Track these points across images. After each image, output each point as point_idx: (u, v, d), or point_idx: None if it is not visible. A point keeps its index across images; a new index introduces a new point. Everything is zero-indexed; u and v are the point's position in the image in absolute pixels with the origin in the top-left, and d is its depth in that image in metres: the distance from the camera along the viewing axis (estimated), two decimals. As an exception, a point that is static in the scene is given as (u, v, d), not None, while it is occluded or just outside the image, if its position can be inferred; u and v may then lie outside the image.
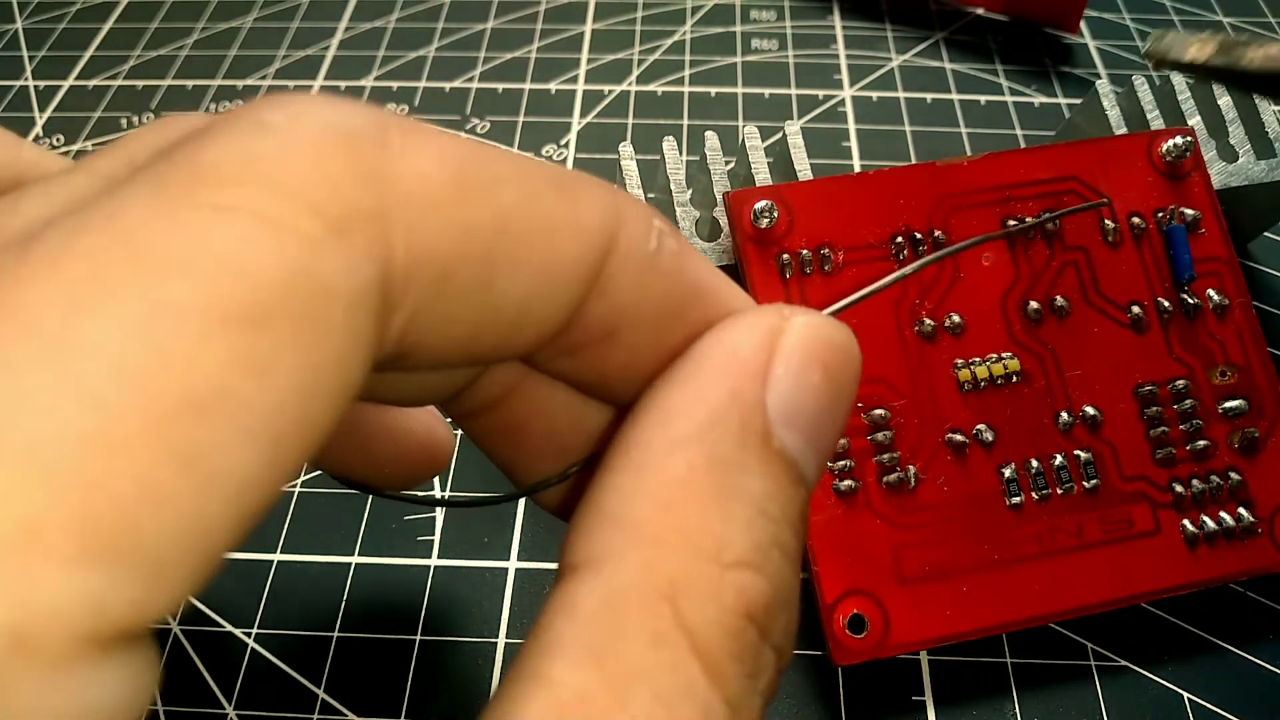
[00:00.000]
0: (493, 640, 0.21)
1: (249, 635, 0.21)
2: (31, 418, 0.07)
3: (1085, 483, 0.20)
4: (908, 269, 0.14)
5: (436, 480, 0.24)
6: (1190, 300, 0.21)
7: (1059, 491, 0.20)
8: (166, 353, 0.07)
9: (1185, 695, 0.20)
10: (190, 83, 0.35)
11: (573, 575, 0.10)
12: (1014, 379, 0.20)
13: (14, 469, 0.06)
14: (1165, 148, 0.21)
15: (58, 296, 0.07)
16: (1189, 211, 0.21)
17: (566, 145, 0.32)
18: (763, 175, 0.21)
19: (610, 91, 0.34)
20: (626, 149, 0.22)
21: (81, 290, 0.07)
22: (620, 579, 0.09)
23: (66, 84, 0.35)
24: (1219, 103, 0.23)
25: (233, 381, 0.07)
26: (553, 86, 0.34)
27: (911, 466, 0.19)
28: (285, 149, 0.08)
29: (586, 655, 0.09)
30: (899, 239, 0.20)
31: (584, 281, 0.10)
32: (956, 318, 0.20)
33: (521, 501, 0.23)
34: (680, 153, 0.22)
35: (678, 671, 0.09)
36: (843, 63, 0.35)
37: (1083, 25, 0.36)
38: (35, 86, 0.35)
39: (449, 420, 0.16)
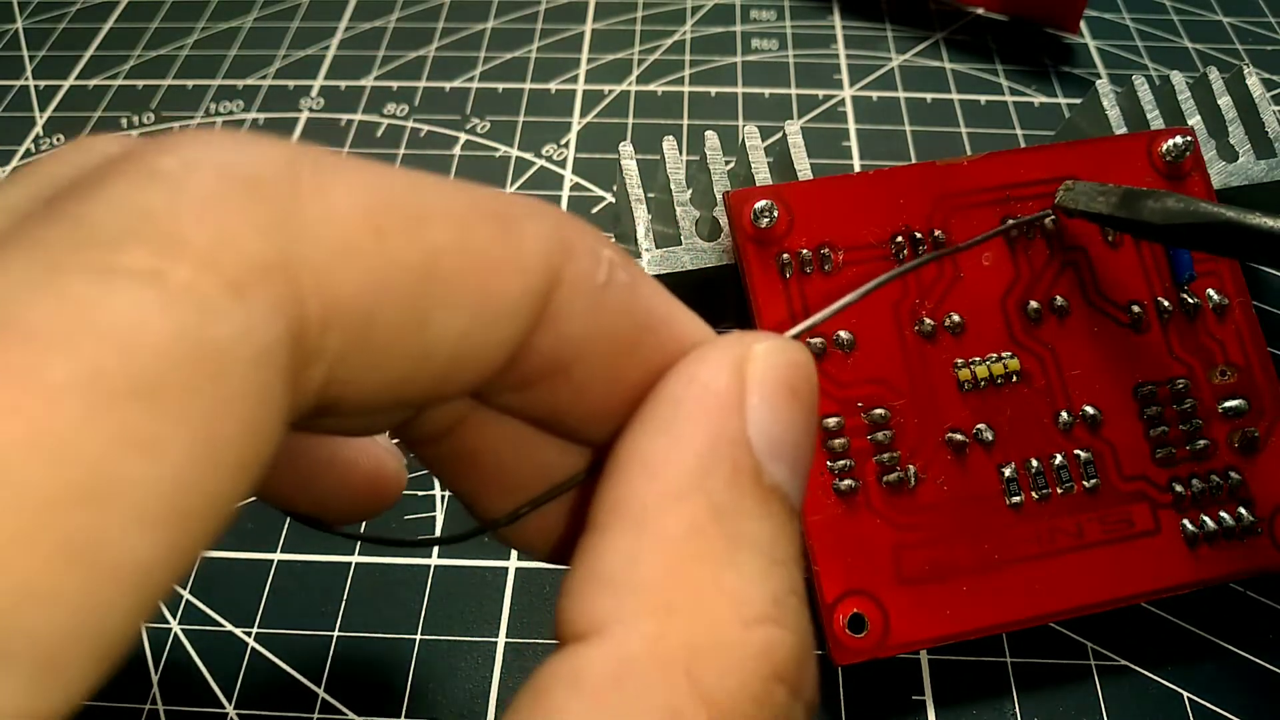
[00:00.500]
0: (493, 640, 0.21)
1: (249, 635, 0.21)
2: None
3: (1085, 482, 0.20)
4: (868, 287, 0.14)
5: (437, 492, 0.24)
6: (1190, 300, 0.21)
7: (1059, 491, 0.20)
8: (45, 438, 0.06)
9: (1185, 695, 0.20)
10: (190, 82, 0.35)
11: (575, 643, 0.09)
12: (1014, 379, 0.20)
13: None
14: (1165, 148, 0.21)
15: None
16: (1189, 211, 0.21)
17: (566, 145, 0.32)
18: (763, 175, 0.21)
19: (610, 91, 0.34)
20: (626, 149, 0.22)
21: None
22: (630, 648, 0.09)
23: (67, 84, 0.35)
24: (1219, 102, 0.23)
25: (120, 463, 0.07)
26: (553, 86, 0.34)
27: (911, 466, 0.19)
28: (177, 200, 0.07)
29: None
30: (899, 239, 0.20)
31: (525, 319, 0.09)
32: (956, 317, 0.20)
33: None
34: (680, 152, 0.22)
35: None
36: (843, 63, 0.35)
37: (1083, 25, 0.36)
38: (35, 86, 0.35)
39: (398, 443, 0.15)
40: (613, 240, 0.11)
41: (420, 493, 0.23)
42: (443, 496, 0.23)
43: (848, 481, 0.19)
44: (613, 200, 0.30)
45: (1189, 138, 0.21)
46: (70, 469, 0.06)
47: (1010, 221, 0.20)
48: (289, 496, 0.15)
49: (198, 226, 0.07)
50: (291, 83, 0.35)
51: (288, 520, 0.23)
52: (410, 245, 0.08)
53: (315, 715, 0.20)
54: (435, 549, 0.22)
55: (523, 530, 0.12)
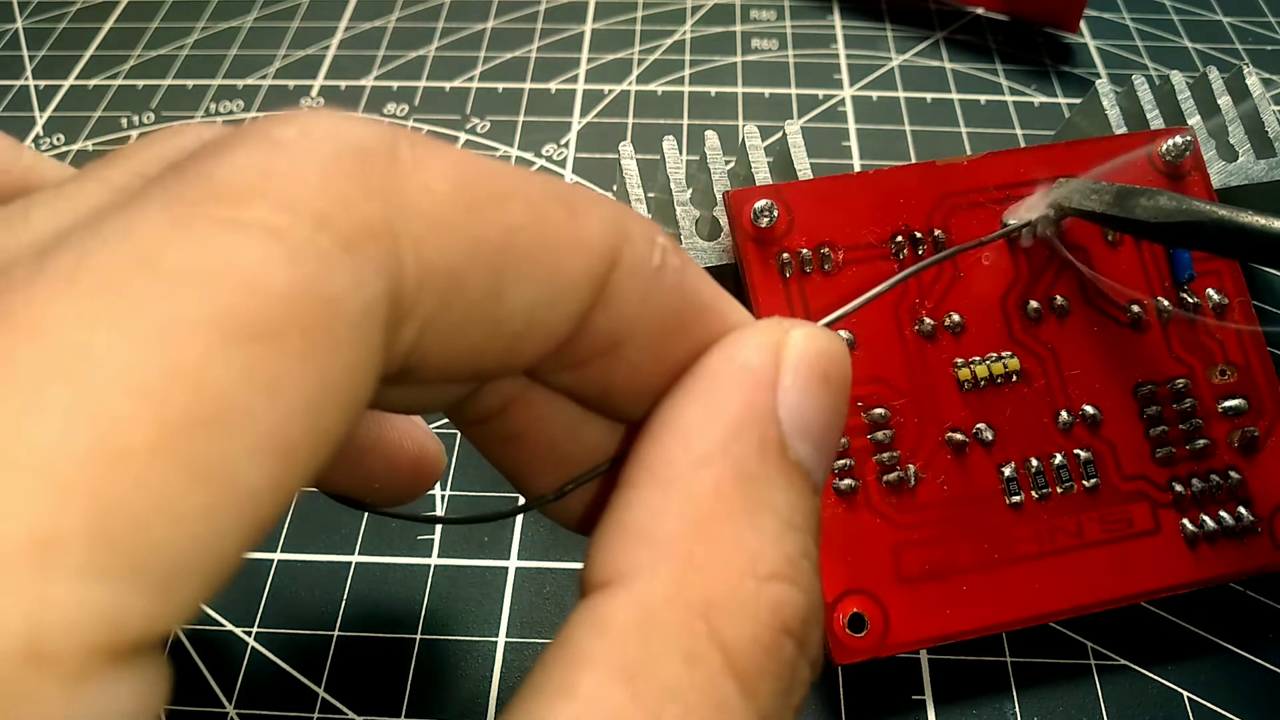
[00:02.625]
0: (493, 639, 0.21)
1: (249, 634, 0.21)
2: (44, 430, 0.07)
3: (1085, 482, 0.20)
4: (889, 283, 0.15)
5: (437, 493, 0.24)
6: (1190, 300, 0.21)
7: (1059, 491, 0.20)
8: (179, 367, 0.07)
9: (1185, 694, 0.20)
10: (190, 82, 0.35)
11: (601, 591, 0.10)
12: (1014, 378, 0.20)
13: (26, 481, 0.06)
14: (1165, 147, 0.21)
15: (72, 311, 0.07)
16: (1189, 211, 0.21)
17: (566, 145, 0.32)
18: (763, 174, 0.21)
19: (610, 91, 0.34)
20: (626, 148, 0.22)
21: (95, 305, 0.07)
22: (653, 595, 0.09)
23: (67, 84, 0.35)
24: (1219, 102, 0.23)
25: (244, 395, 0.07)
26: (553, 86, 0.34)
27: (911, 465, 0.19)
28: (296, 165, 0.08)
29: (617, 672, 0.09)
30: (899, 238, 0.20)
31: (588, 295, 0.10)
32: (956, 317, 0.20)
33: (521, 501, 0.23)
34: (680, 152, 0.22)
35: (711, 690, 0.09)
36: (843, 62, 0.35)
37: (1083, 25, 0.36)
38: (35, 86, 0.35)
39: (442, 425, 0.16)
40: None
41: (413, 511, 0.23)
42: (443, 497, 0.23)
43: (848, 481, 0.19)
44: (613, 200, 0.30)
45: (1189, 137, 0.21)
46: (202, 397, 0.07)
47: (1012, 223, 0.20)
48: (336, 478, 0.16)
49: (315, 189, 0.08)
50: (291, 82, 0.35)
51: (288, 520, 0.23)
52: (492, 221, 0.09)
53: (315, 715, 0.20)
54: (434, 552, 0.22)
55: (564, 503, 0.13)
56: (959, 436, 0.19)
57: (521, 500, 0.13)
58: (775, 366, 0.11)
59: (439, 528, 0.23)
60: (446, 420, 0.19)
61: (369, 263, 0.08)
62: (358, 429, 0.15)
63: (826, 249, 0.20)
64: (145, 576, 0.07)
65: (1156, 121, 0.23)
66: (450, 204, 0.09)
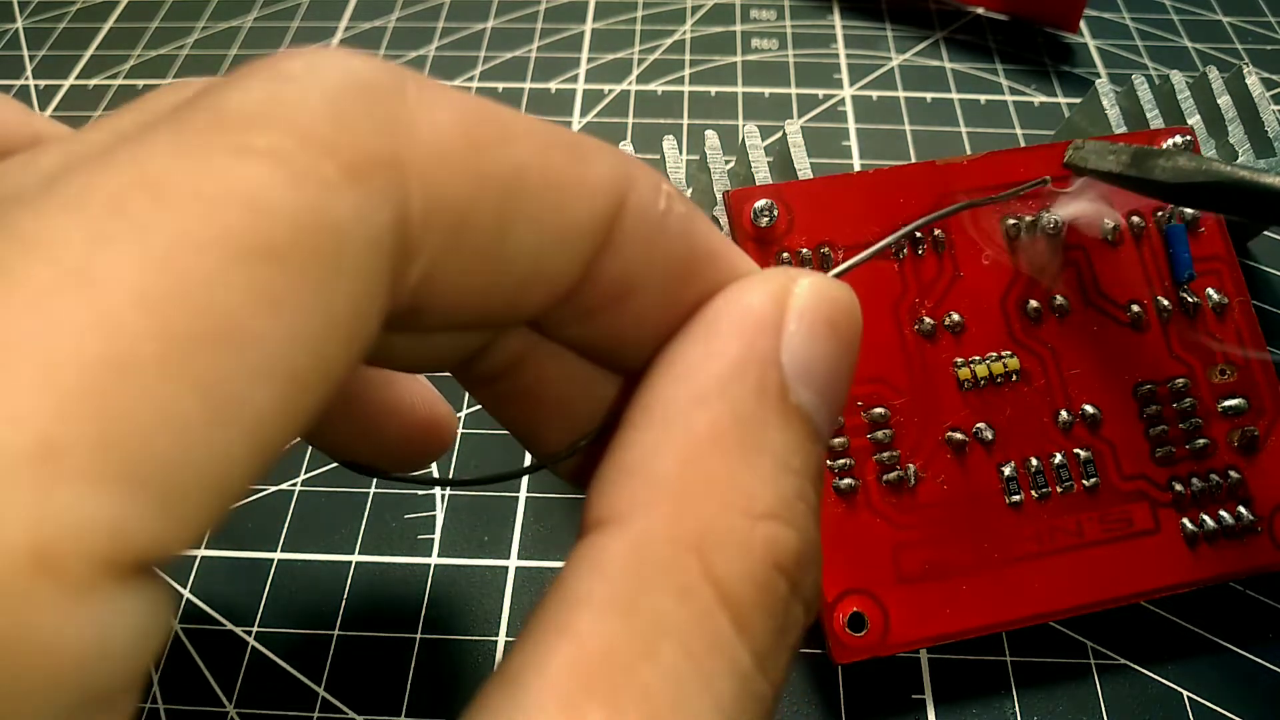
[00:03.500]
0: (493, 639, 0.21)
1: (249, 634, 0.21)
2: (52, 339, 0.07)
3: (1085, 481, 0.20)
4: (908, 227, 0.15)
5: (435, 467, 0.24)
6: (1190, 299, 0.21)
7: (1059, 490, 0.20)
8: (186, 283, 0.07)
9: (1185, 694, 0.20)
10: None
11: (598, 530, 0.10)
12: (1014, 378, 0.20)
13: (32, 388, 0.06)
14: (1165, 147, 0.21)
15: (80, 228, 0.07)
16: (1188, 210, 0.21)
17: (566, 145, 0.32)
18: (763, 174, 0.21)
19: (610, 91, 0.34)
20: (626, 148, 0.22)
21: (103, 223, 0.07)
22: (647, 532, 0.09)
23: (67, 84, 0.35)
24: (1218, 102, 0.23)
25: (249, 315, 0.07)
26: (553, 86, 0.34)
27: (911, 465, 0.19)
28: (304, 96, 0.08)
29: (613, 608, 0.09)
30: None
31: (595, 238, 0.10)
32: (956, 316, 0.20)
33: (522, 501, 0.23)
34: (680, 152, 0.22)
35: (705, 624, 0.09)
36: (843, 62, 0.35)
37: (1083, 25, 0.36)
38: (35, 86, 0.35)
39: (460, 388, 0.16)
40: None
41: (421, 492, 0.23)
42: (443, 497, 0.23)
43: (847, 480, 0.19)
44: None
45: (1188, 137, 0.21)
46: (209, 314, 0.07)
47: (1009, 221, 0.20)
48: (349, 443, 0.16)
49: (322, 118, 0.08)
50: (291, 82, 0.35)
51: (288, 519, 0.23)
52: (499, 159, 0.09)
53: (315, 714, 0.20)
54: (435, 551, 0.22)
55: (574, 460, 0.13)
56: (959, 436, 0.19)
57: (529, 460, 0.14)
58: (781, 312, 0.11)
59: (439, 527, 0.23)
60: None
61: (375, 192, 0.08)
62: (370, 391, 0.15)
63: (826, 249, 0.20)
64: (149, 489, 0.07)
65: (1156, 121, 0.23)
66: (457, 140, 0.09)
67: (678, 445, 0.10)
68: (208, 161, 0.08)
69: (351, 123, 0.08)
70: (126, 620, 0.07)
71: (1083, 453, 0.20)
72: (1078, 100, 0.32)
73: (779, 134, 0.22)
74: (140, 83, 0.35)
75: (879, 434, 0.19)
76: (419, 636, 0.21)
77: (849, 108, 0.33)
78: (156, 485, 0.07)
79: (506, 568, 0.22)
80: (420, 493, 0.23)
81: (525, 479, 0.24)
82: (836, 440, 0.19)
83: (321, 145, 0.08)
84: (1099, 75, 0.34)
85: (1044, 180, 0.20)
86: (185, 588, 0.22)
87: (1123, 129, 0.23)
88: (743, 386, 0.10)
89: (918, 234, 0.20)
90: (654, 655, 0.09)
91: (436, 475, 0.24)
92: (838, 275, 0.12)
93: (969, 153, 0.27)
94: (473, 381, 0.13)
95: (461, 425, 0.24)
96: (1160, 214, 0.21)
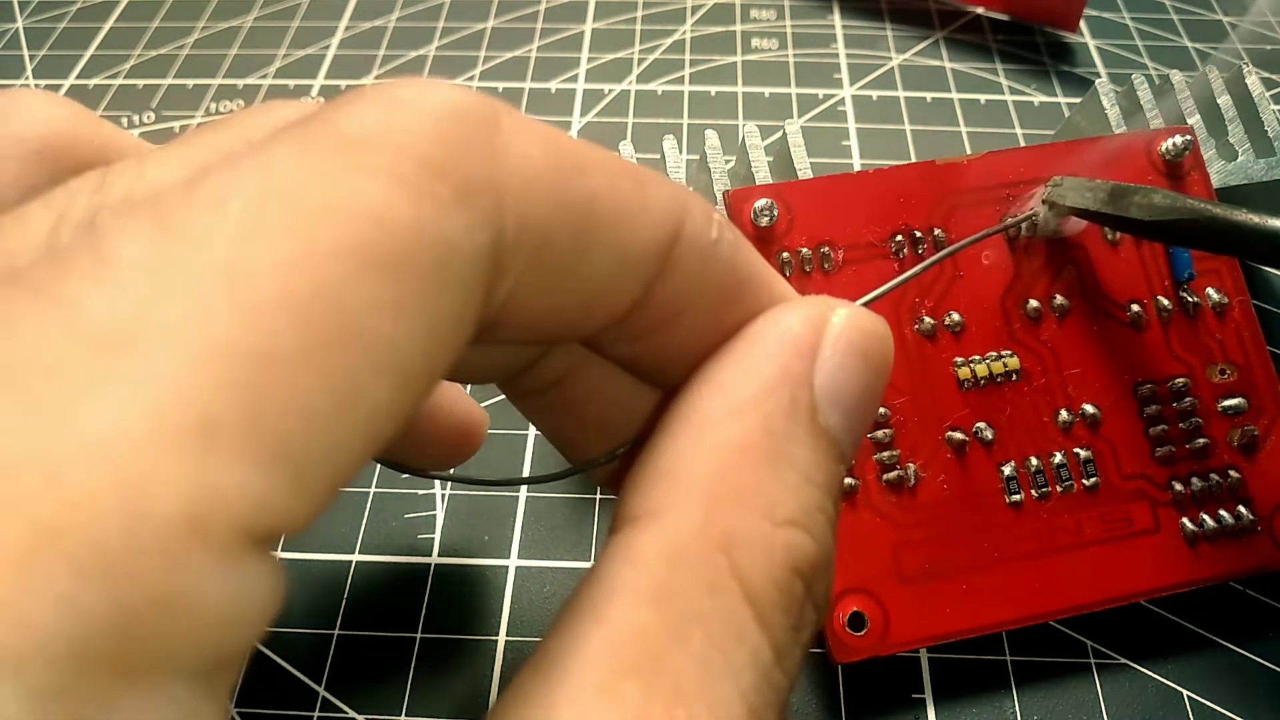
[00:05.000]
0: (493, 638, 0.21)
1: (250, 634, 0.21)
2: (210, 329, 0.07)
3: (1085, 481, 0.20)
4: (936, 258, 0.16)
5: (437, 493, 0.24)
6: (1190, 299, 0.21)
7: (1059, 489, 0.20)
8: (321, 287, 0.08)
9: (1185, 693, 0.20)
10: (190, 82, 0.35)
11: (632, 525, 0.10)
12: (1014, 377, 0.20)
13: (194, 371, 0.07)
14: (1165, 147, 0.21)
15: (226, 229, 0.08)
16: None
17: (566, 144, 0.32)
18: (763, 174, 0.21)
19: (610, 90, 0.34)
20: (626, 148, 0.22)
21: (247, 224, 0.08)
22: (680, 530, 0.10)
23: (67, 83, 0.35)
24: (1218, 102, 0.23)
25: (373, 318, 0.08)
26: (553, 86, 0.34)
27: (911, 464, 0.19)
28: (416, 122, 0.09)
29: (646, 598, 0.10)
30: (899, 238, 0.20)
31: (655, 262, 0.11)
32: (956, 316, 0.20)
33: (522, 501, 0.23)
34: (680, 152, 0.22)
35: (731, 617, 0.10)
36: (843, 62, 0.35)
37: (1083, 25, 0.36)
38: (35, 86, 0.35)
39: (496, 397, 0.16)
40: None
41: (421, 491, 0.23)
42: (443, 496, 0.23)
43: (847, 480, 0.19)
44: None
45: (1188, 137, 0.21)
46: (340, 316, 0.08)
47: (1008, 220, 0.20)
48: (395, 443, 0.16)
49: (433, 144, 0.09)
50: (291, 82, 0.35)
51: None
52: (578, 187, 0.10)
53: (316, 713, 0.20)
54: (435, 551, 0.22)
55: (607, 466, 0.14)
56: (959, 435, 0.19)
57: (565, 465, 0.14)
58: (817, 338, 0.11)
59: (440, 527, 0.23)
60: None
61: (479, 213, 0.09)
62: None
63: (826, 248, 0.20)
64: (287, 469, 0.07)
65: (1156, 121, 0.23)
66: (544, 168, 0.09)
67: (711, 452, 0.11)
68: (335, 177, 0.08)
69: (458, 149, 0.09)
70: (257, 588, 0.08)
71: (1083, 452, 0.20)
72: (1078, 100, 0.32)
73: (779, 134, 0.22)
74: (140, 83, 0.35)
75: (879, 434, 0.19)
76: (419, 636, 0.21)
77: (849, 108, 0.33)
78: (292, 465, 0.08)
79: (506, 568, 0.22)
80: (420, 492, 0.23)
81: (527, 474, 0.24)
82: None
83: (435, 168, 0.09)
84: (1099, 75, 0.34)
85: (1021, 222, 0.20)
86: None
87: (1123, 129, 0.23)
88: (776, 404, 0.11)
89: (917, 234, 0.20)
90: (684, 641, 0.09)
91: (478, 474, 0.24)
92: (868, 302, 0.13)
93: (969, 153, 0.27)
94: (519, 392, 0.14)
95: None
96: (1160, 214, 0.21)
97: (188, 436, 0.07)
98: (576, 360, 0.13)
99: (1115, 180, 0.19)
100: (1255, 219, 0.16)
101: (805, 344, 0.11)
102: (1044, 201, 0.20)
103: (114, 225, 0.08)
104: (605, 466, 0.14)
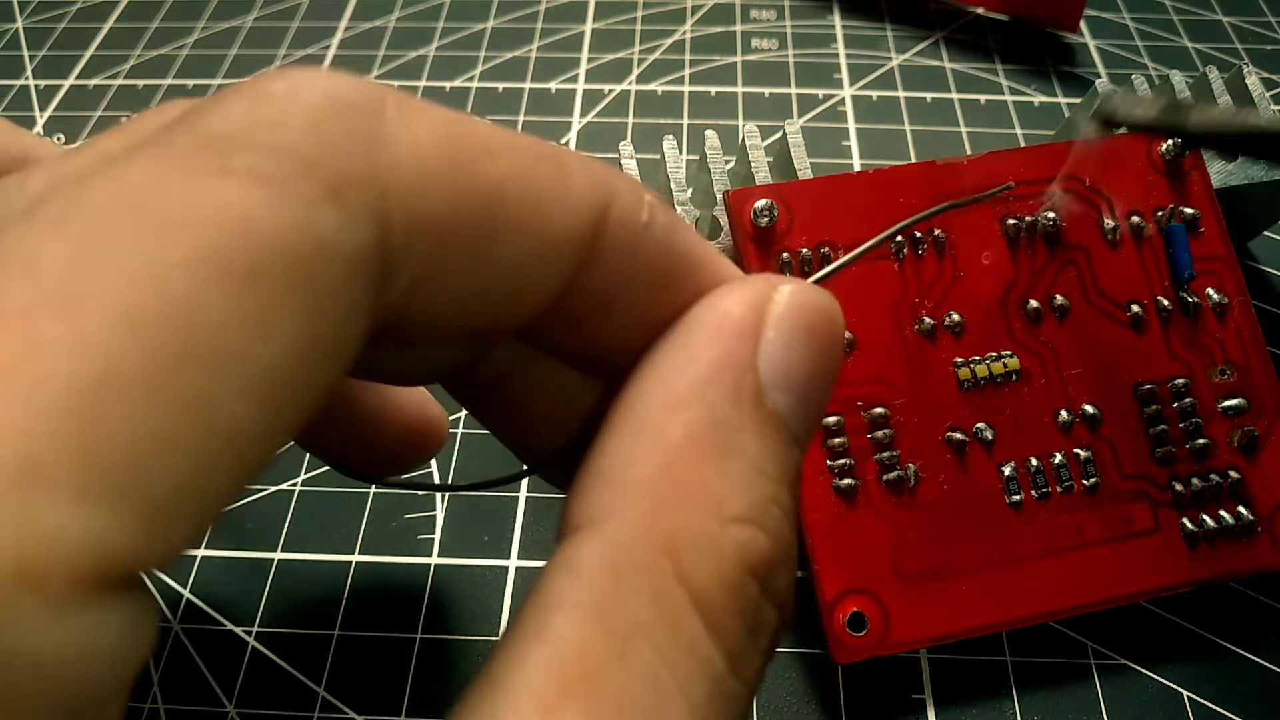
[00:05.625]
0: (493, 639, 0.21)
1: (249, 634, 0.21)
2: (35, 358, 0.07)
3: (1085, 481, 0.20)
4: (887, 233, 0.15)
5: (435, 468, 0.24)
6: (1190, 299, 0.21)
7: (1059, 490, 0.20)
8: (169, 303, 0.07)
9: (1185, 694, 0.20)
10: (190, 82, 0.35)
11: (574, 534, 0.10)
12: (1014, 378, 0.20)
13: (16, 407, 0.07)
14: (1165, 147, 0.21)
15: (64, 249, 0.07)
16: (1188, 210, 0.21)
17: (566, 144, 0.32)
18: (763, 174, 0.21)
19: (610, 91, 0.34)
20: (626, 148, 0.22)
21: (87, 244, 0.07)
22: (621, 536, 0.09)
23: (67, 83, 0.35)
24: (1218, 102, 0.23)
25: (233, 334, 0.07)
26: (553, 86, 0.34)
27: (911, 465, 0.19)
28: (285, 116, 0.08)
29: (588, 611, 0.09)
30: (899, 237, 0.20)
31: (577, 250, 0.10)
32: (956, 316, 0.20)
33: (521, 501, 0.23)
34: (680, 152, 0.22)
35: (678, 626, 0.09)
36: (843, 62, 0.35)
37: (1083, 25, 0.36)
38: (35, 86, 0.35)
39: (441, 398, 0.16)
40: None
41: (421, 491, 0.23)
42: (443, 497, 0.23)
43: (847, 480, 0.19)
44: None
45: (1189, 137, 0.21)
46: (193, 333, 0.07)
47: (1010, 221, 0.20)
48: (340, 447, 0.16)
49: (303, 138, 0.08)
50: (291, 82, 0.35)
51: (288, 520, 0.23)
52: (480, 175, 0.09)
53: (316, 714, 0.20)
54: (434, 551, 0.22)
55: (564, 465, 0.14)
56: (959, 436, 0.19)
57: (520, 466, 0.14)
58: (759, 318, 0.11)
59: (439, 527, 0.23)
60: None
61: (356, 210, 0.08)
62: (359, 395, 0.16)
63: (826, 248, 0.20)
64: (133, 505, 0.07)
65: (1156, 121, 0.23)
66: (437, 157, 0.09)
67: (652, 450, 0.10)
68: (190, 182, 0.08)
69: (332, 142, 0.08)
70: (110, 630, 0.07)
71: (1083, 452, 0.20)
72: (1078, 100, 0.32)
73: (779, 134, 0.22)
74: (140, 83, 0.35)
75: (879, 434, 0.19)
76: (419, 636, 0.21)
77: (849, 108, 0.33)
78: (139, 501, 0.07)
79: (506, 568, 0.22)
80: (420, 492, 0.23)
81: (525, 480, 0.24)
82: (836, 440, 0.19)
83: (303, 165, 0.08)
84: (1099, 75, 0.34)
85: (1008, 186, 0.20)
86: (185, 588, 0.22)
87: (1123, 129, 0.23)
88: (718, 391, 0.10)
89: (917, 234, 0.20)
90: (628, 657, 0.09)
91: (436, 479, 0.24)
92: (820, 280, 0.12)
93: (969, 153, 0.27)
94: (462, 391, 0.13)
95: (461, 425, 0.24)
96: (1160, 214, 0.21)
97: (12, 478, 0.06)
98: (516, 356, 0.12)
99: (1120, 181, 0.19)
100: None
101: (747, 325, 0.11)
102: (1092, 118, 0.19)
103: None
104: (558, 467, 0.13)
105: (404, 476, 0.18)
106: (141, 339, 0.07)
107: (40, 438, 0.07)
